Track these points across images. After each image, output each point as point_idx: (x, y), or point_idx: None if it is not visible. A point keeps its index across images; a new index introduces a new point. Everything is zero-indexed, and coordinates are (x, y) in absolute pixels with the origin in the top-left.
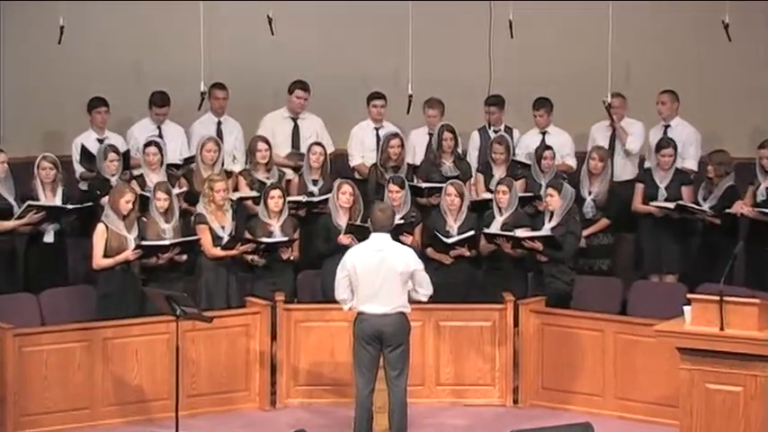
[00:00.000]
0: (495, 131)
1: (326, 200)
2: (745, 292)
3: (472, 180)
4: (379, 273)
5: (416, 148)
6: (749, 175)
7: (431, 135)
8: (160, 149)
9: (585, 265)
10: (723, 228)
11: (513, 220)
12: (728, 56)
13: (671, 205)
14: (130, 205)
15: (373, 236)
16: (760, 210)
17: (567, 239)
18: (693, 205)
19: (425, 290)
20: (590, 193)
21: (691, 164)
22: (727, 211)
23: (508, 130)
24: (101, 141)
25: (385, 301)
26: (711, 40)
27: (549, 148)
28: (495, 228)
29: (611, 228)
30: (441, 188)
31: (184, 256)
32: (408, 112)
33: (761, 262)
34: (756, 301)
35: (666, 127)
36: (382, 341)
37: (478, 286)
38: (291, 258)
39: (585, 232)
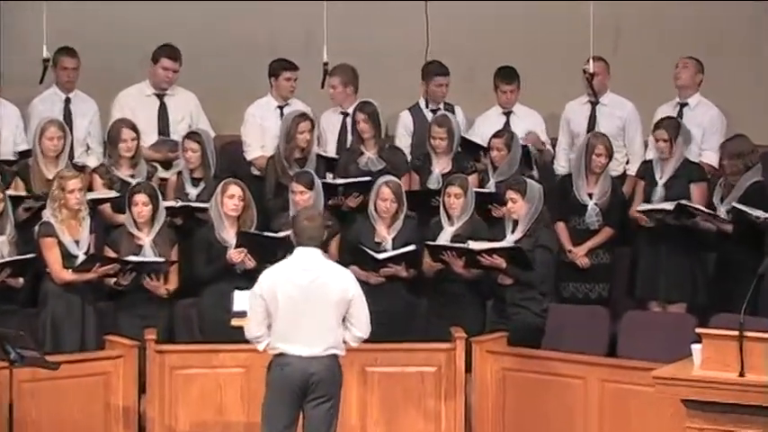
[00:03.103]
0: (434, 110)
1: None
2: None
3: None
4: (308, 301)
5: (328, 134)
6: None
7: (344, 115)
8: None
9: (579, 292)
10: (743, 240)
11: (468, 230)
12: (753, 15)
13: (668, 206)
14: None
15: (299, 252)
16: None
17: (539, 255)
18: (698, 206)
19: (360, 330)
20: (590, 197)
21: (711, 157)
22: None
23: (448, 107)
24: None
25: (314, 338)
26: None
27: (499, 134)
28: (442, 240)
29: (611, 240)
30: (362, 185)
31: (20, 280)
32: (323, 85)
33: None
34: None
35: (683, 106)
36: (306, 392)
37: (419, 318)
38: (165, 294)
39: (584, 247)
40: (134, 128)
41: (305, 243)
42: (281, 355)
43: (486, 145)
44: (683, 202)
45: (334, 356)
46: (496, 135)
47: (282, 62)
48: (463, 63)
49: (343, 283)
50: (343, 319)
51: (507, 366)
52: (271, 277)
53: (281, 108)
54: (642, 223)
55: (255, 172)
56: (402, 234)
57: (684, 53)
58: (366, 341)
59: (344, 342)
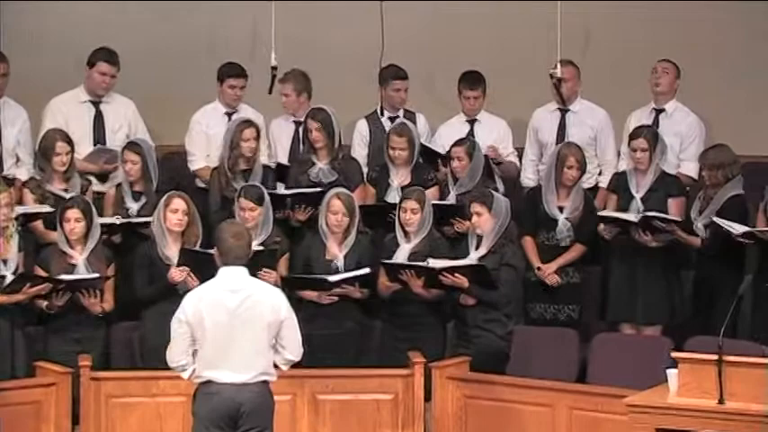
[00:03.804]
0: (392, 118)
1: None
2: (753, 349)
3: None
4: (237, 324)
5: (279, 143)
6: (764, 181)
7: (297, 124)
8: None
9: (547, 313)
10: (723, 257)
11: (426, 247)
12: (736, 16)
13: (632, 217)
14: None
15: (224, 271)
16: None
17: (504, 273)
18: (666, 216)
19: (291, 352)
20: (561, 211)
21: (690, 168)
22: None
23: (409, 114)
24: None
25: (243, 364)
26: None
27: (460, 142)
28: (399, 258)
29: (582, 258)
30: (312, 197)
31: None
32: (271, 91)
33: None
34: None
35: (659, 112)
36: (236, 424)
37: (374, 342)
38: (101, 313)
39: (553, 264)
40: (68, 140)
41: (230, 262)
42: (207, 383)
43: (446, 153)
44: (650, 213)
45: (265, 383)
46: (457, 143)
47: (229, 67)
48: (422, 68)
49: (275, 304)
50: (276, 343)
51: (469, 394)
52: (196, 301)
53: (229, 115)
54: (604, 235)
55: (200, 184)
56: (354, 251)
57: (658, 56)
58: (318, 366)
59: (275, 367)
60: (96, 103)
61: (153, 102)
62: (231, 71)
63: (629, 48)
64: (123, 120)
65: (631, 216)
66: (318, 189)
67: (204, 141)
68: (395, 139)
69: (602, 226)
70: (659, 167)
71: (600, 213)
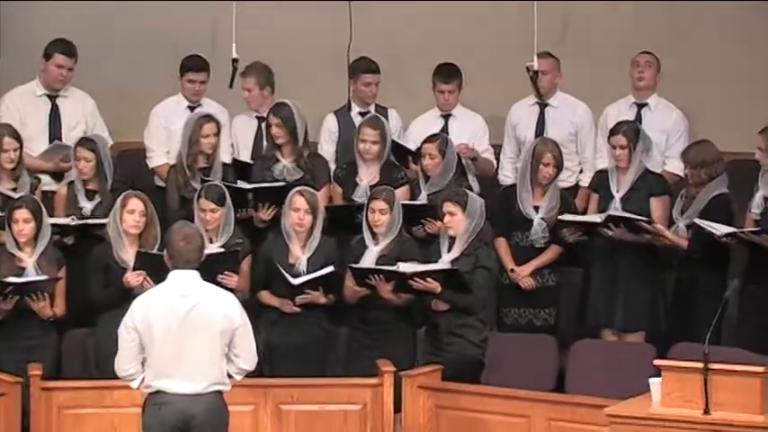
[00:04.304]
0: (362, 113)
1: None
2: (740, 357)
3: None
4: (188, 331)
5: (241, 141)
6: (749, 179)
7: (260, 120)
8: None
9: (522, 318)
10: (707, 260)
11: (395, 249)
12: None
13: (595, 218)
14: None
15: (174, 275)
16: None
17: (478, 277)
18: (632, 216)
19: (245, 362)
20: (537, 210)
21: (676, 166)
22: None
23: (381, 110)
24: None
25: (194, 374)
26: None
27: (431, 138)
28: (367, 261)
29: (559, 260)
30: (275, 192)
31: None
32: (232, 84)
33: (765, 310)
34: (758, 369)
35: (640, 107)
36: None
37: (341, 350)
38: (52, 317)
39: (528, 267)
40: (16, 136)
41: (181, 266)
42: (157, 393)
43: (417, 150)
44: (614, 213)
45: (219, 393)
46: (429, 140)
47: (191, 60)
48: (394, 61)
49: (228, 310)
50: (230, 352)
51: (441, 404)
52: (144, 306)
53: (191, 109)
54: (567, 239)
55: (159, 183)
56: (319, 254)
57: (638, 48)
58: (282, 376)
59: (229, 376)
60: (53, 98)
61: (110, 97)
62: (191, 65)
63: (610, 39)
64: (81, 116)
65: (595, 218)
66: (282, 183)
67: (164, 136)
68: (367, 131)
69: (564, 230)
70: (642, 165)
71: (559, 218)
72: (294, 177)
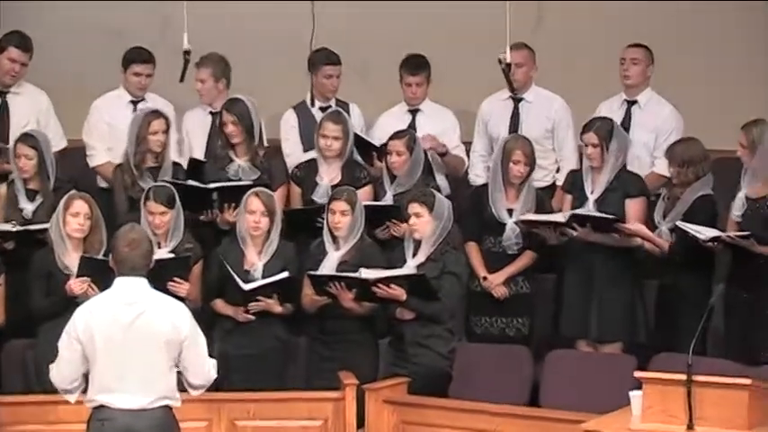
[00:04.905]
0: (323, 108)
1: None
2: (726, 368)
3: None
4: (132, 342)
5: (194, 138)
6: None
7: (214, 115)
8: None
9: (493, 328)
10: (690, 265)
11: (357, 255)
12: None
13: (558, 217)
14: None
15: (120, 283)
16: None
17: (446, 284)
18: (598, 215)
19: (195, 376)
20: (510, 213)
21: (664, 167)
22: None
23: (342, 105)
24: None
25: (140, 387)
26: None
27: (398, 135)
28: (327, 267)
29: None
30: (238, 192)
31: None
32: (183, 78)
33: (752, 318)
34: (745, 381)
35: (630, 104)
36: None
37: (300, 362)
38: None
39: (501, 274)
40: None
41: (126, 272)
42: (100, 408)
43: (382, 146)
44: (578, 211)
45: (167, 408)
46: (395, 136)
47: (135, 52)
48: (357, 54)
49: (176, 320)
50: (180, 366)
51: (407, 419)
52: (87, 315)
53: (134, 103)
54: (552, 241)
55: (103, 183)
56: (277, 259)
57: (622, 40)
58: (238, 390)
59: (183, 390)
60: (3, 94)
61: (51, 93)
62: (136, 56)
63: (587, 30)
64: (32, 114)
65: (558, 217)
66: (249, 182)
67: (105, 132)
68: (329, 126)
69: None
70: (618, 164)
71: (521, 217)
72: (251, 177)
